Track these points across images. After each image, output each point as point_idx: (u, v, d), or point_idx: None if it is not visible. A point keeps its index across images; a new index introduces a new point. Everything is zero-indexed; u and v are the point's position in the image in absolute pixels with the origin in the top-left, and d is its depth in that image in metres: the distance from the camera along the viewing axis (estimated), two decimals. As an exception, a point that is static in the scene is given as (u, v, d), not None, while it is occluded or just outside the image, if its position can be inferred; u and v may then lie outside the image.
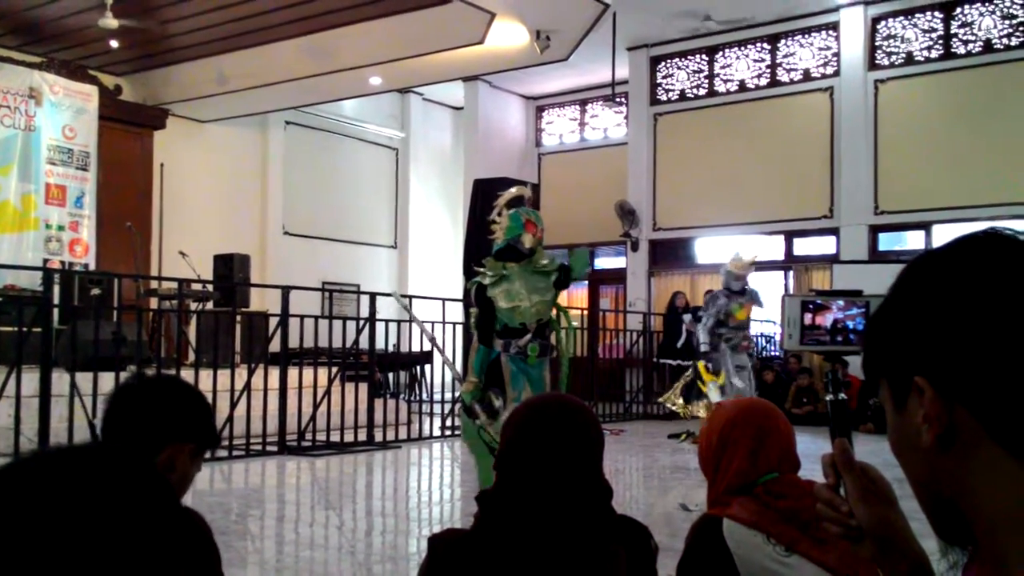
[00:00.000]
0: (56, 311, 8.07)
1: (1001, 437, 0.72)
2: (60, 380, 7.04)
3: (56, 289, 8.23)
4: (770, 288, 13.38)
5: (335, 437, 8.73)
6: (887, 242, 12.74)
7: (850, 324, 1.84)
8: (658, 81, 14.62)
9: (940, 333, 0.75)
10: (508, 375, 4.91)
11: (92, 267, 11.55)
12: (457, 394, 5.72)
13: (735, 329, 9.36)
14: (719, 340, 9.31)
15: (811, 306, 1.86)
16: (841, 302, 1.84)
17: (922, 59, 12.49)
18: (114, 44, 11.75)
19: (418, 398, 11.82)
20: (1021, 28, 11.86)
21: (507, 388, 4.92)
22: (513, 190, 5.33)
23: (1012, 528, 0.70)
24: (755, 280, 13.51)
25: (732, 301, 9.37)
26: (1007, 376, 0.71)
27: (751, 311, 9.66)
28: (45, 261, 10.87)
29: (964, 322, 0.74)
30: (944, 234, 12.14)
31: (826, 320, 1.84)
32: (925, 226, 12.33)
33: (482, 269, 5.05)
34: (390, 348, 10.31)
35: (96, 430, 1.86)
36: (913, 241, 12.52)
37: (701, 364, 9.25)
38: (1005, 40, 11.95)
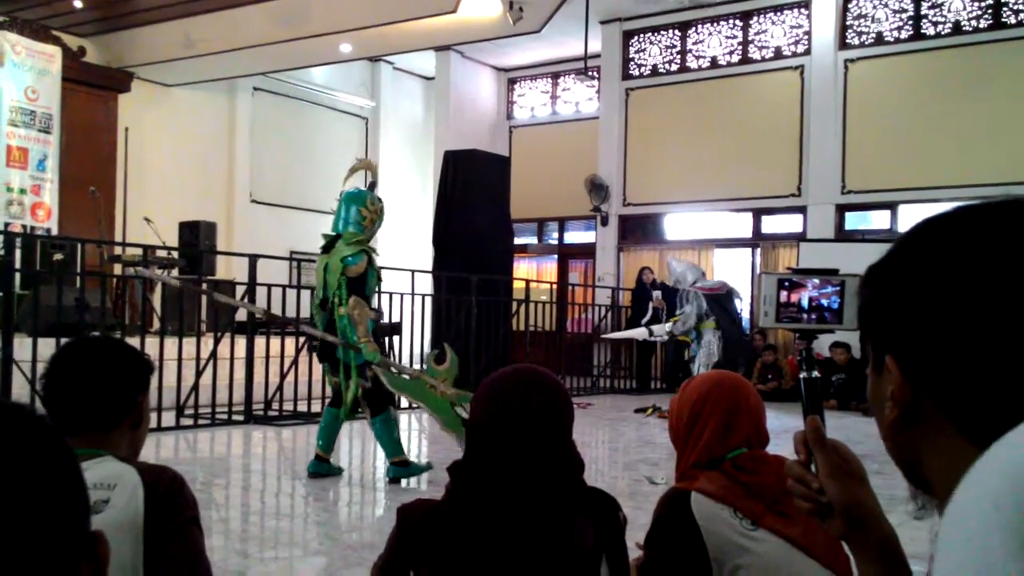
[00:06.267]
0: (18, 276, 7.94)
1: (965, 428, 0.69)
2: (22, 346, 6.93)
3: (18, 253, 8.11)
4: (737, 265, 13.50)
5: (302, 407, 8.70)
6: (853, 221, 12.87)
7: (824, 303, 1.85)
8: (630, 56, 14.59)
9: (917, 319, 0.71)
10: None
11: (54, 232, 11.37)
12: (425, 366, 5.73)
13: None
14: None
15: (786, 284, 1.87)
16: (816, 280, 1.85)
17: (892, 39, 12.57)
18: (78, 4, 11.50)
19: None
20: (990, 11, 11.96)
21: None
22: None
23: None
24: (723, 258, 13.68)
25: (706, 312, 9.33)
26: (980, 375, 0.67)
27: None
28: (6, 225, 10.68)
29: (943, 312, 0.68)
30: (910, 215, 12.29)
31: (801, 298, 1.84)
32: (891, 206, 12.46)
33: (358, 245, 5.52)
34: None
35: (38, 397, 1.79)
36: (879, 221, 12.66)
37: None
38: (974, 22, 12.04)
